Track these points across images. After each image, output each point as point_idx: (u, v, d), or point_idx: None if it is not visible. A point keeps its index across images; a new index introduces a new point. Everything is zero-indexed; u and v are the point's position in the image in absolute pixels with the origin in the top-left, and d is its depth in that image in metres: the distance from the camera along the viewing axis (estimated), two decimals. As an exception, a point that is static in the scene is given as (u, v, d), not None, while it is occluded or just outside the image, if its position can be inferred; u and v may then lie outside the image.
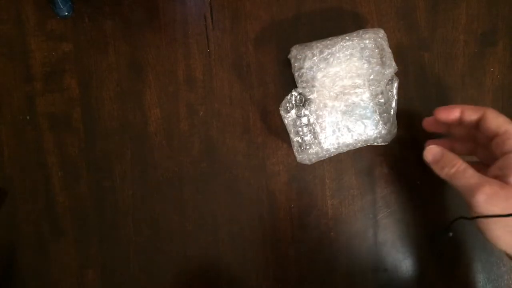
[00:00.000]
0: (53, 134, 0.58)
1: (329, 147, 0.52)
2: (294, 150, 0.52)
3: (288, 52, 0.54)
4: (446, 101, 0.57)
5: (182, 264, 0.58)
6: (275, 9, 0.57)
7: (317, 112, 0.51)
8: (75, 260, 0.58)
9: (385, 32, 0.53)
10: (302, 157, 0.52)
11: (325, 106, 0.51)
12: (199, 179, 0.58)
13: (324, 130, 0.52)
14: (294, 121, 0.52)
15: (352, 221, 0.57)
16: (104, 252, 0.58)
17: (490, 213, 0.41)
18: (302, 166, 0.57)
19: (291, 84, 0.54)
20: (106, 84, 0.58)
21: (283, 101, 0.52)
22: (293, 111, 0.52)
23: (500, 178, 0.42)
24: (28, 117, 0.58)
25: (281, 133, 0.57)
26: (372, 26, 0.57)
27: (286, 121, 0.52)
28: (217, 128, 0.57)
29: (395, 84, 0.52)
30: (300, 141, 0.52)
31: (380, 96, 0.51)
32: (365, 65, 0.51)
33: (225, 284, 0.58)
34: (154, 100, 0.57)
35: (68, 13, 0.56)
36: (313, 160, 0.53)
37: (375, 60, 0.51)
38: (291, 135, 0.52)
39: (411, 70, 0.57)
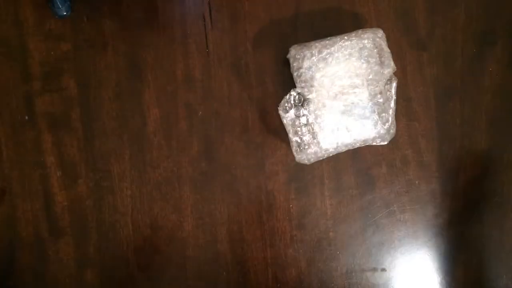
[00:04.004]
0: (52, 134, 0.58)
1: (328, 146, 0.52)
2: (293, 150, 0.52)
3: (287, 52, 0.54)
4: (445, 101, 0.57)
5: (181, 264, 0.58)
6: (274, 9, 0.57)
7: (316, 112, 0.51)
8: (74, 260, 0.58)
9: (383, 32, 0.53)
10: (301, 157, 0.52)
11: (324, 105, 0.51)
12: (198, 179, 0.57)
13: (323, 129, 0.52)
14: (293, 121, 0.52)
15: (351, 220, 0.57)
16: (103, 252, 0.58)
17: None
18: (301, 166, 0.57)
19: (290, 84, 0.54)
20: (105, 84, 0.57)
21: (282, 101, 0.52)
22: (292, 111, 0.52)
23: None
24: (26, 117, 0.58)
25: (280, 133, 0.57)
26: (371, 26, 0.57)
27: (285, 121, 0.52)
28: (216, 128, 0.57)
29: (394, 84, 0.52)
30: (299, 141, 0.52)
31: (379, 96, 0.51)
32: (364, 65, 0.51)
33: (224, 284, 0.58)
34: (153, 100, 0.57)
35: (67, 13, 0.56)
36: (312, 160, 0.53)
37: (374, 60, 0.51)
38: (290, 135, 0.52)
39: (410, 70, 0.57)
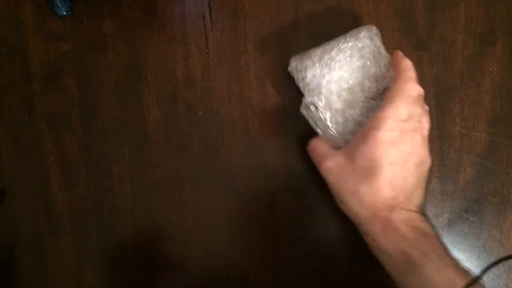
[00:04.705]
0: (51, 134, 0.58)
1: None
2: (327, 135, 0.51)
3: (287, 51, 0.54)
4: (445, 101, 0.57)
5: (181, 264, 0.58)
6: (274, 9, 0.57)
7: (329, 117, 0.51)
8: (74, 260, 0.58)
9: (383, 32, 0.53)
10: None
11: (337, 111, 0.51)
12: (198, 179, 0.58)
13: (338, 132, 0.51)
14: (314, 122, 0.51)
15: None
16: (103, 252, 0.58)
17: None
18: (301, 166, 0.57)
19: (290, 83, 0.54)
20: (105, 84, 0.57)
21: (302, 104, 0.51)
22: (310, 113, 0.51)
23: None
24: (26, 117, 0.58)
25: (280, 133, 0.57)
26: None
27: (310, 120, 0.51)
28: (216, 128, 0.57)
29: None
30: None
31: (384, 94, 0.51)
32: (366, 63, 0.51)
33: (224, 284, 0.58)
34: (153, 100, 0.57)
35: (67, 12, 0.56)
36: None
37: (373, 57, 0.51)
38: (318, 130, 0.51)
39: (410, 70, 0.57)
